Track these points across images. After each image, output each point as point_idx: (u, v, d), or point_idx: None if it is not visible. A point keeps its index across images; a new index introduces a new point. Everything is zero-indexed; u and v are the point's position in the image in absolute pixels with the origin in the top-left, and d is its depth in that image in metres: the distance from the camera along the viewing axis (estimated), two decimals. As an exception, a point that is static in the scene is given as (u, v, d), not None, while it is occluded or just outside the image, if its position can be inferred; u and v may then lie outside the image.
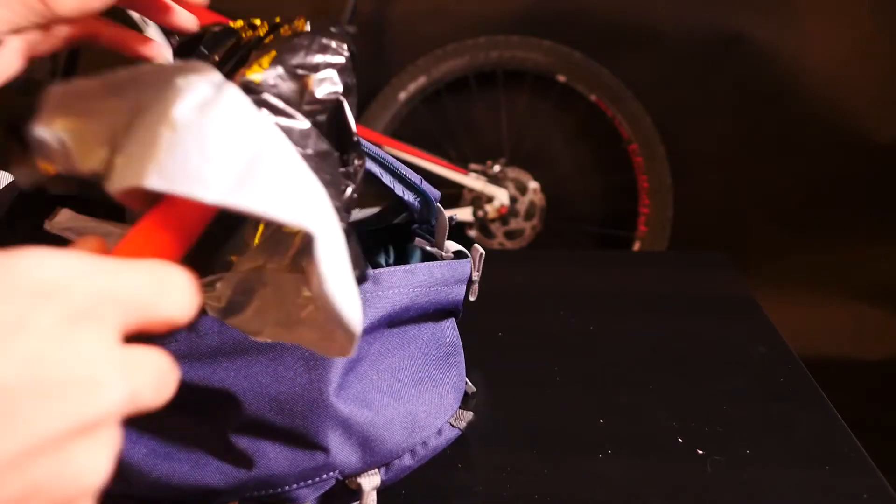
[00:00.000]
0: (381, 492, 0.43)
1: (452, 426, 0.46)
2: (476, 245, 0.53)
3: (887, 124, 1.54)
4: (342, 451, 0.39)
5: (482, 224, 1.64)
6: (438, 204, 0.50)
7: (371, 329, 0.42)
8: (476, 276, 0.54)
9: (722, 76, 1.58)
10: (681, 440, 0.50)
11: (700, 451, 0.49)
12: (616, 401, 0.55)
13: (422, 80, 1.58)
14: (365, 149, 0.60)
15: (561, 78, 1.57)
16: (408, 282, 0.43)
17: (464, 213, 1.62)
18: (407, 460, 0.43)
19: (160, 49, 0.40)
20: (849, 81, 1.53)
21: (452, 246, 0.51)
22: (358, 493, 0.41)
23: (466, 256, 0.51)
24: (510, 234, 1.65)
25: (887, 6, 1.48)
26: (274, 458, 0.39)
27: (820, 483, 0.45)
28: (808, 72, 1.54)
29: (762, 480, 0.46)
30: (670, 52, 1.57)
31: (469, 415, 0.47)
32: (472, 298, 0.56)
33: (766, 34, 1.53)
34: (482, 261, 0.53)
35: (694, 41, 1.55)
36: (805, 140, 1.59)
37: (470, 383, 0.55)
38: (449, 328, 0.49)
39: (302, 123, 0.28)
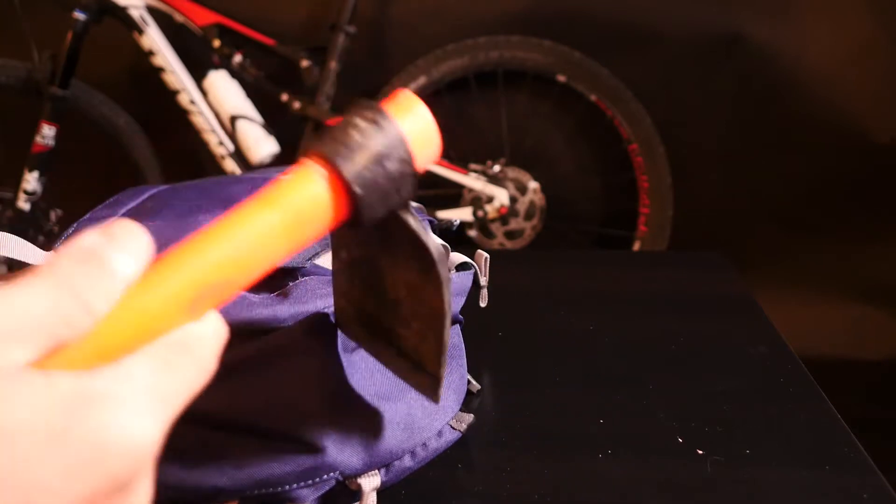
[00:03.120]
0: (381, 492, 0.43)
1: (453, 428, 0.46)
2: (479, 251, 0.53)
3: (887, 124, 1.54)
4: (342, 453, 0.40)
5: (482, 224, 1.64)
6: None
7: None
8: (484, 281, 0.53)
9: (722, 76, 1.58)
10: (681, 440, 0.50)
11: (700, 451, 0.49)
12: (616, 401, 0.55)
13: (422, 80, 1.58)
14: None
15: (561, 78, 1.57)
16: None
17: (464, 213, 1.62)
18: (407, 461, 0.43)
19: None
20: (849, 81, 1.53)
21: (457, 258, 0.51)
22: (358, 493, 0.41)
23: (470, 268, 0.51)
24: (510, 234, 1.65)
25: (887, 6, 1.48)
26: (274, 458, 0.39)
27: (820, 483, 0.45)
28: (808, 72, 1.54)
29: (762, 480, 0.46)
30: (670, 52, 1.57)
31: (469, 417, 0.47)
32: (482, 304, 0.56)
33: (766, 34, 1.53)
34: (488, 265, 0.53)
35: (694, 41, 1.55)
36: (805, 140, 1.59)
37: (475, 382, 0.55)
38: (451, 332, 0.49)
39: None
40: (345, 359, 0.41)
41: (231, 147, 1.55)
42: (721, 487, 0.45)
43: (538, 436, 0.51)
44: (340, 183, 0.28)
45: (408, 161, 0.29)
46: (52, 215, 1.65)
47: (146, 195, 0.55)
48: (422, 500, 0.45)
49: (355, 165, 0.28)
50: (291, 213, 0.27)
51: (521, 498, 0.45)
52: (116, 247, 0.23)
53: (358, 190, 0.28)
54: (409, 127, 0.30)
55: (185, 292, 0.24)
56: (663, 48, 1.57)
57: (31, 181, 1.55)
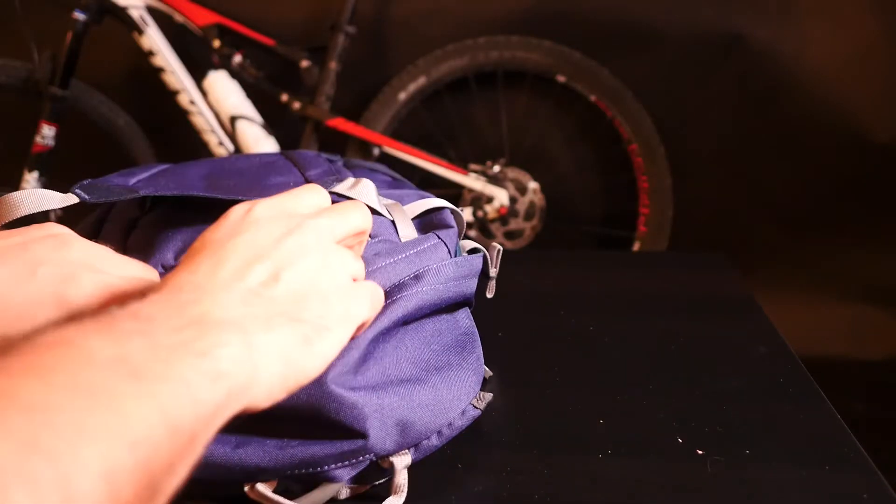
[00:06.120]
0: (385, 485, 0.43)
1: (474, 407, 0.48)
2: (494, 243, 0.54)
3: (887, 124, 1.54)
4: (379, 436, 0.42)
5: (482, 224, 1.64)
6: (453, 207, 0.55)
7: (388, 330, 0.45)
8: (493, 272, 0.54)
9: (722, 76, 1.58)
10: (681, 440, 0.50)
11: (700, 451, 0.49)
12: (616, 401, 0.55)
13: (422, 80, 1.58)
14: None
15: (561, 78, 1.57)
16: (417, 286, 0.46)
17: (463, 214, 1.62)
18: (434, 440, 0.45)
19: None
20: (849, 81, 1.53)
21: (468, 244, 0.54)
22: (389, 470, 0.43)
23: (479, 252, 0.53)
24: (510, 235, 1.65)
25: (887, 6, 1.48)
26: (317, 442, 0.41)
27: (820, 483, 0.45)
28: (808, 72, 1.54)
29: (762, 480, 0.46)
30: (670, 52, 1.57)
31: (489, 395, 0.49)
32: (489, 295, 0.56)
33: (766, 34, 1.53)
34: (500, 257, 0.54)
35: (694, 41, 1.56)
36: (805, 140, 1.59)
37: (487, 368, 0.55)
38: (464, 317, 0.51)
39: None
40: (376, 346, 0.44)
41: (231, 147, 1.55)
42: (721, 487, 0.45)
43: (538, 436, 0.51)
44: None
45: None
46: (52, 215, 1.65)
47: (153, 171, 0.57)
48: (422, 500, 0.45)
49: None
50: None
51: (521, 498, 0.45)
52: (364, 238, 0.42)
53: None
54: None
55: None
56: (663, 48, 1.57)
57: (31, 181, 1.55)
